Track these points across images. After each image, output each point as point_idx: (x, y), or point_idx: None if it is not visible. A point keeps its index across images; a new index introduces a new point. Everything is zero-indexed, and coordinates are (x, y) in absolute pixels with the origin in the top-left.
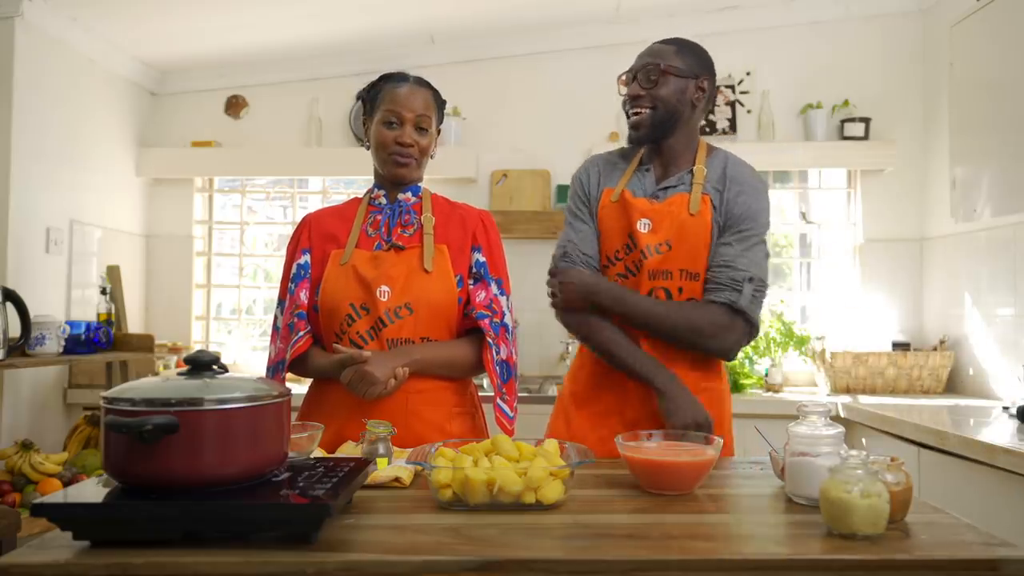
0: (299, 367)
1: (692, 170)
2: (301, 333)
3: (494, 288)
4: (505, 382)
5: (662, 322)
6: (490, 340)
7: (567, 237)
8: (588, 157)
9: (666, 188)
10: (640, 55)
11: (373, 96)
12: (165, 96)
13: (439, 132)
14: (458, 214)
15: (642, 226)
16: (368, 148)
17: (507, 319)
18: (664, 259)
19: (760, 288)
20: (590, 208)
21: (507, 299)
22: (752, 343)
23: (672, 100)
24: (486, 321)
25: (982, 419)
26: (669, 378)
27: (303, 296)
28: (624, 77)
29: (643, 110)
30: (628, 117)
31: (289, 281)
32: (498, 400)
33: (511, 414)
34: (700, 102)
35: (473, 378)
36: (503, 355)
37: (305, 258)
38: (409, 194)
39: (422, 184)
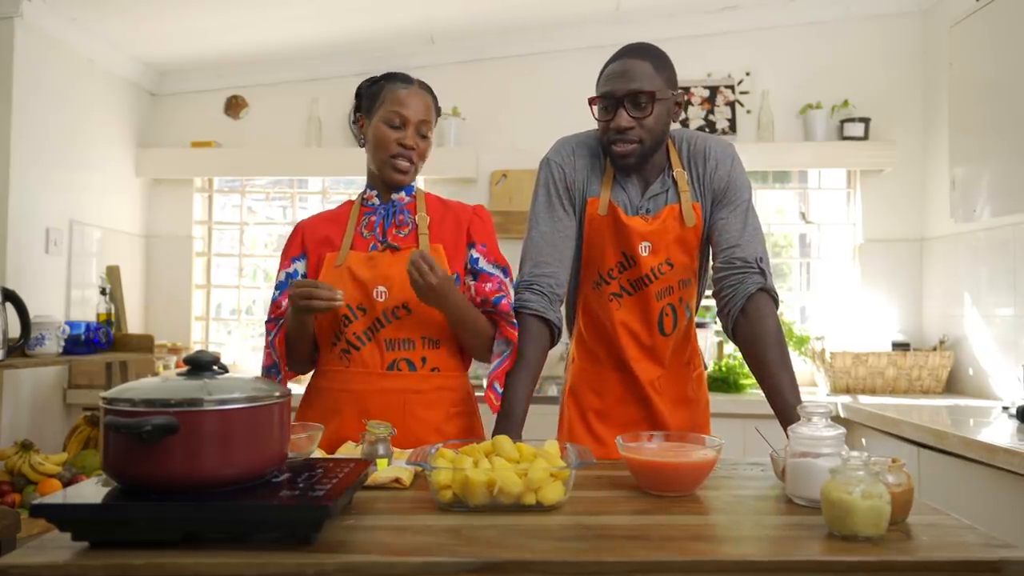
0: (292, 359)
1: (673, 175)
2: (276, 329)
3: (501, 275)
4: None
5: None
6: (515, 320)
7: (535, 262)
8: (558, 140)
9: (653, 197)
10: (616, 76)
11: (373, 94)
12: (164, 96)
13: None
14: (452, 212)
15: (643, 249)
16: (363, 146)
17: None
18: (666, 278)
19: (768, 260)
20: (573, 203)
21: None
22: None
23: (660, 127)
24: (505, 302)
25: (982, 419)
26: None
27: (286, 303)
28: (602, 104)
29: (633, 144)
30: (610, 145)
31: (275, 289)
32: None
33: None
34: (677, 117)
35: (469, 377)
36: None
37: (295, 266)
38: (403, 194)
39: (415, 184)
